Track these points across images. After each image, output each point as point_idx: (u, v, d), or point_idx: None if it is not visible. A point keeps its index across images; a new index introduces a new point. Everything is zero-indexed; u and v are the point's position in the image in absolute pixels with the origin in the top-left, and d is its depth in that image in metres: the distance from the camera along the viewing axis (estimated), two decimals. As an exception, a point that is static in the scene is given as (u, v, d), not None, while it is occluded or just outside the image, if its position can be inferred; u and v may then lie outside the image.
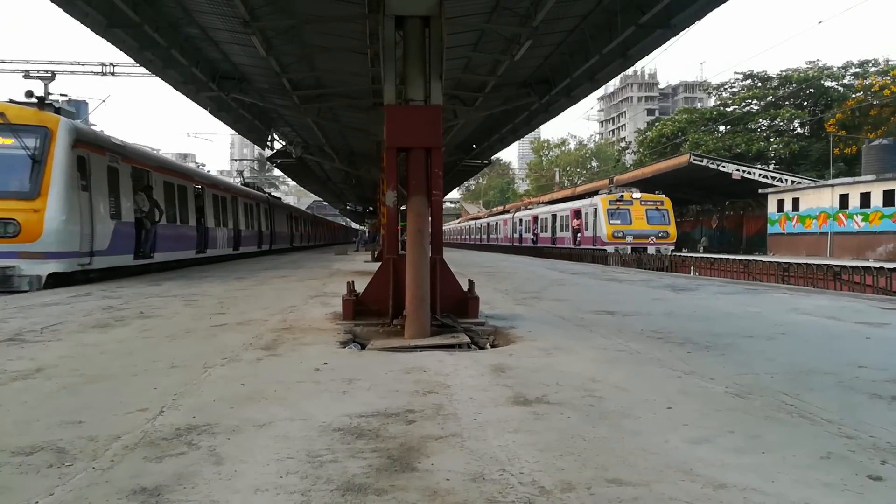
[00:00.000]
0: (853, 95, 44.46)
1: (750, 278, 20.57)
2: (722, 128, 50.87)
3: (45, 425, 3.00)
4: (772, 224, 32.14)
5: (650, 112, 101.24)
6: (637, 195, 29.25)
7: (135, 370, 4.23)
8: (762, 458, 2.61)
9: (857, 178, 28.63)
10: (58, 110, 11.64)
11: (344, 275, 12.37)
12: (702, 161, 33.70)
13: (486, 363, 4.52)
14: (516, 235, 43.46)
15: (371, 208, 37.88)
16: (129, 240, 13.17)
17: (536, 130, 51.49)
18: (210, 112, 17.86)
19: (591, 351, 4.97)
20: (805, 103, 48.58)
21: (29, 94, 11.58)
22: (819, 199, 29.02)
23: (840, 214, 27.65)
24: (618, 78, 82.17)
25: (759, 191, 33.24)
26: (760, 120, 49.95)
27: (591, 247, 29.13)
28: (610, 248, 27.50)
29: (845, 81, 47.38)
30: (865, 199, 26.33)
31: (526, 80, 15.78)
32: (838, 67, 48.18)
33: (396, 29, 6.42)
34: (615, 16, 11.20)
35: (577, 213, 31.99)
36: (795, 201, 30.65)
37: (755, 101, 50.10)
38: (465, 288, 6.67)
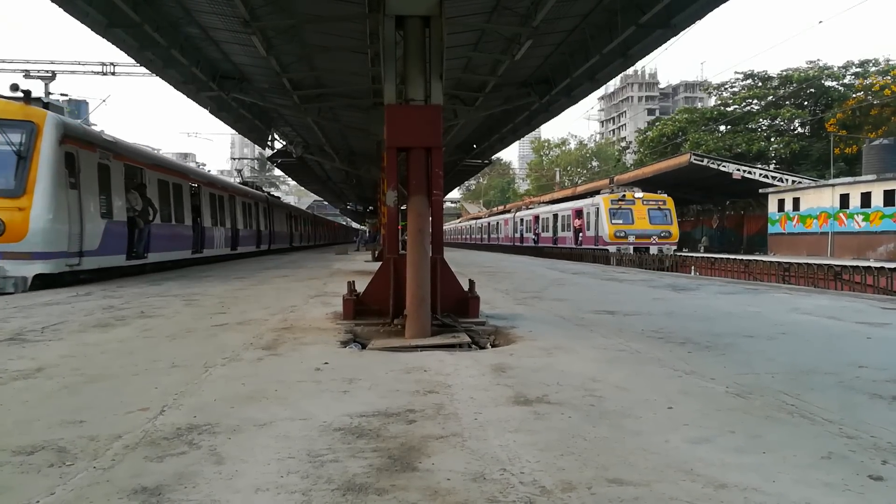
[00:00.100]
0: (854, 95, 44.44)
1: (750, 278, 20.57)
2: (722, 127, 50.87)
3: (46, 425, 3.00)
4: (772, 224, 32.14)
5: (651, 112, 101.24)
6: (639, 195, 29.06)
7: (136, 370, 4.23)
8: (763, 457, 2.61)
9: (857, 178, 28.63)
10: (46, 105, 11.18)
11: (344, 274, 12.37)
12: (702, 161, 33.68)
13: (487, 363, 4.52)
14: (517, 235, 43.38)
15: (371, 208, 37.89)
16: (121, 239, 12.78)
17: (537, 130, 51.45)
18: (210, 112, 17.87)
19: (591, 351, 4.97)
20: (805, 103, 48.57)
21: (14, 87, 11.07)
22: (820, 198, 29.01)
23: (841, 214, 27.64)
24: (618, 78, 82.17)
25: (760, 190, 33.24)
26: (761, 120, 49.93)
27: (593, 247, 29.00)
28: (612, 248, 27.34)
29: (846, 81, 47.36)
30: (866, 199, 26.32)
31: (526, 80, 15.78)
32: (839, 67, 48.17)
33: (397, 29, 6.42)
34: (615, 15, 11.20)
35: (578, 213, 31.80)
36: (796, 201, 30.65)
37: (756, 101, 50.09)
38: (466, 288, 6.67)
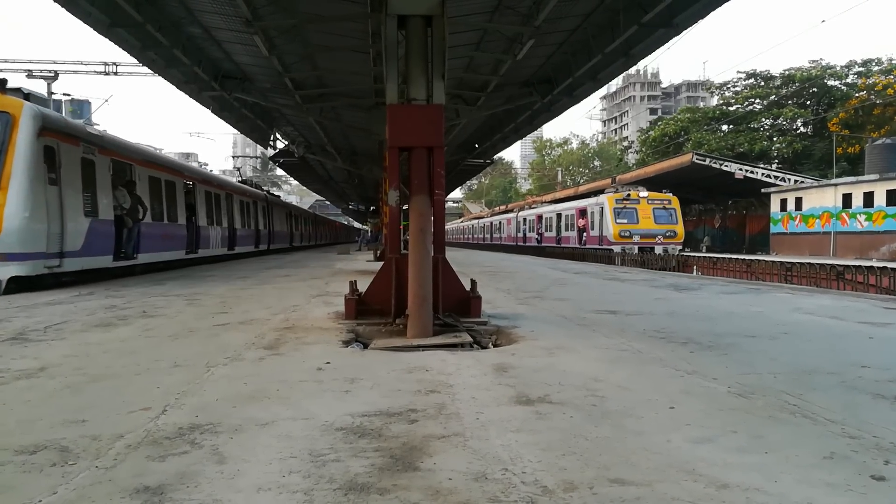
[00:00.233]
0: (856, 94, 44.36)
1: (753, 278, 20.55)
2: (725, 127, 50.83)
3: (49, 424, 3.01)
4: (774, 223, 32.09)
5: (653, 111, 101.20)
6: (644, 194, 28.80)
7: (138, 369, 4.23)
8: (765, 457, 2.61)
9: (860, 178, 28.56)
10: (27, 96, 10.53)
11: (346, 274, 12.38)
12: (704, 160, 33.63)
13: (489, 363, 4.52)
14: (520, 235, 43.28)
15: (373, 208, 37.94)
16: (107, 239, 12.06)
17: (539, 129, 51.50)
18: (213, 111, 17.89)
19: (593, 350, 4.97)
20: (808, 102, 48.50)
21: None
22: (822, 198, 28.96)
23: (843, 214, 27.59)
24: (620, 77, 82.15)
25: (762, 190, 33.19)
26: (763, 119, 49.89)
27: (598, 246, 28.79)
28: (616, 248, 27.10)
29: (848, 80, 47.28)
30: (868, 199, 26.27)
31: (528, 80, 15.78)
32: (841, 66, 48.13)
33: (399, 28, 6.42)
34: (618, 15, 11.19)
35: (582, 213, 31.58)
36: (798, 201, 30.60)
37: (758, 101, 50.02)
38: (468, 287, 6.67)
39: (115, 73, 33.30)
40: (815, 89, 46.98)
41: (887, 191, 25.33)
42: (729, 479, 2.36)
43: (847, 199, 27.49)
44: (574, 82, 14.65)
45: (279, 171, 67.56)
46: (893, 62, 45.43)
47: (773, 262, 21.86)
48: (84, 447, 2.69)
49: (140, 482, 2.31)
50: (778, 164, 45.57)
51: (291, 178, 57.75)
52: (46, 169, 10.05)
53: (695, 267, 24.66)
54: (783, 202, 31.64)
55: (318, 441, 2.78)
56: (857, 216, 26.79)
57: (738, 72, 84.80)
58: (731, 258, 24.81)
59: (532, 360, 4.58)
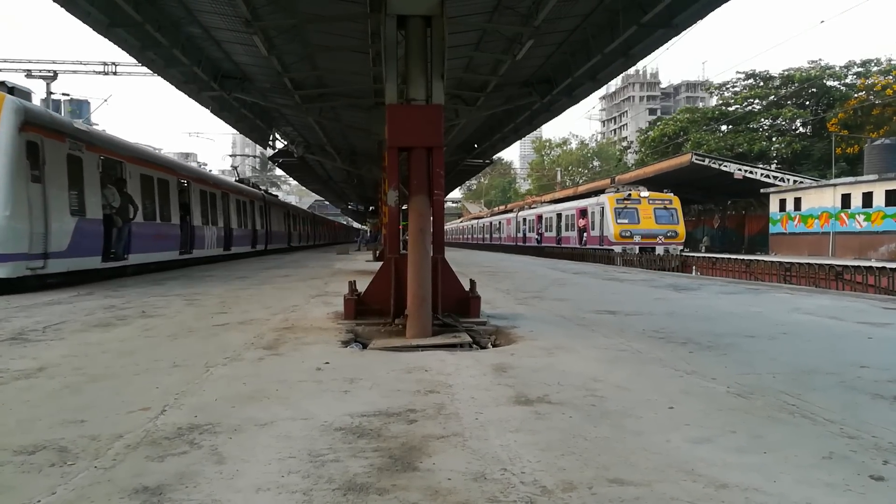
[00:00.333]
0: (855, 95, 44.40)
1: (752, 278, 20.56)
2: (724, 127, 50.85)
3: (48, 424, 3.01)
4: (773, 224, 32.11)
5: (652, 111, 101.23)
6: (645, 194, 28.63)
7: (137, 369, 4.23)
8: (764, 457, 2.61)
9: (859, 178, 28.59)
10: (11, 90, 10.13)
11: (345, 274, 12.38)
12: (704, 161, 33.63)
13: (488, 363, 4.52)
14: (520, 235, 43.22)
15: (373, 208, 37.90)
16: (95, 239, 11.56)
17: (538, 130, 51.48)
18: (212, 111, 17.87)
19: (592, 350, 4.97)
20: (807, 103, 48.54)
21: None
22: (821, 198, 28.98)
23: (842, 214, 27.61)
24: (619, 77, 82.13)
25: (761, 190, 33.21)
26: (762, 119, 49.91)
27: (598, 247, 28.67)
28: (617, 248, 26.95)
29: (847, 81, 47.33)
30: (867, 199, 26.29)
31: (528, 80, 15.78)
32: (840, 67, 48.17)
33: (398, 28, 6.42)
34: (617, 15, 11.19)
35: (583, 213, 31.40)
36: (797, 201, 30.62)
37: (757, 101, 50.05)
38: (467, 287, 6.67)
39: (115, 73, 33.32)
40: (814, 90, 47.01)
41: (886, 191, 25.35)
42: (728, 479, 2.37)
43: (846, 200, 27.52)
44: (573, 82, 14.64)
45: (278, 171, 67.55)
46: (892, 63, 45.49)
47: (772, 262, 21.88)
48: (83, 447, 2.69)
49: (139, 482, 2.31)
50: (777, 164, 45.60)
51: (291, 178, 57.74)
52: (29, 165, 9.63)
53: (694, 267, 24.68)
54: (782, 202, 31.67)
55: (318, 441, 2.78)
56: (856, 216, 26.82)
57: (738, 72, 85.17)
58: (730, 258, 24.83)
59: (531, 361, 4.59)
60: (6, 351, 4.85)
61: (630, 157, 70.16)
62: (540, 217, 38.97)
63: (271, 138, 23.47)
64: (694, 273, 22.68)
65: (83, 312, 7.11)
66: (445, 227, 7.60)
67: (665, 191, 29.45)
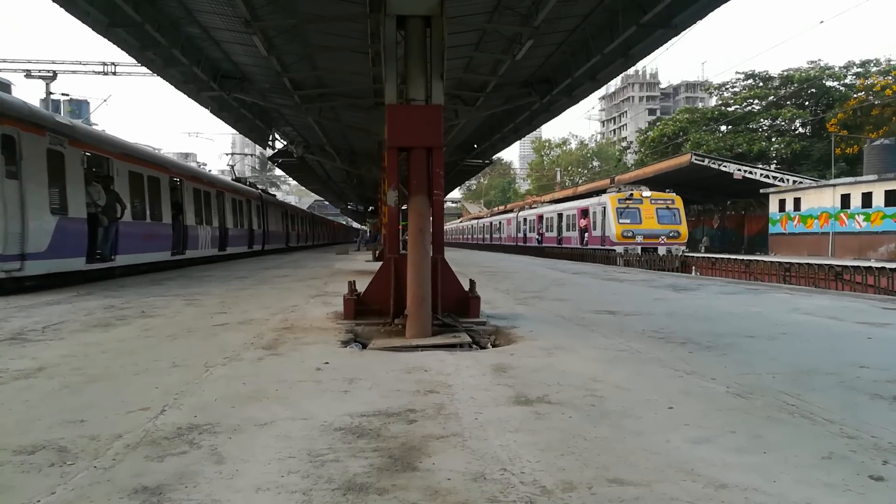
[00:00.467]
0: (855, 95, 44.43)
1: (751, 278, 20.57)
2: (723, 127, 50.86)
3: (47, 424, 3.01)
4: (773, 224, 32.12)
5: (651, 112, 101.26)
6: (647, 193, 28.45)
7: (136, 369, 4.23)
8: (763, 457, 2.61)
9: (858, 178, 28.60)
10: None
11: (345, 274, 12.38)
12: (703, 161, 33.63)
13: (488, 363, 4.52)
14: (520, 235, 43.16)
15: (372, 208, 37.85)
16: (78, 239, 10.96)
17: (538, 130, 51.47)
18: (211, 112, 17.87)
19: (592, 350, 4.97)
20: (807, 103, 48.55)
21: None
22: (820, 198, 28.99)
23: (842, 214, 27.62)
24: (619, 77, 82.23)
25: (761, 191, 33.22)
26: (762, 120, 49.92)
27: (600, 247, 28.50)
28: (619, 249, 26.80)
29: (847, 81, 47.34)
30: (867, 199, 26.30)
31: (527, 80, 15.78)
32: (840, 67, 48.16)
33: (398, 28, 6.42)
34: (616, 15, 11.20)
35: (584, 213, 31.21)
36: (797, 201, 30.63)
37: (756, 101, 50.07)
38: (467, 288, 6.67)
39: (114, 73, 33.31)
40: (813, 90, 47.02)
41: (885, 191, 25.36)
42: (728, 479, 2.37)
43: (845, 200, 27.52)
44: (573, 82, 14.64)
45: (278, 172, 67.57)
46: (892, 63, 45.51)
47: (771, 262, 21.89)
48: (83, 447, 2.68)
49: (139, 482, 2.31)
50: (776, 164, 45.62)
51: (290, 179, 57.73)
52: (4, 160, 9.19)
53: (693, 267, 24.68)
54: (782, 202, 31.68)
55: (317, 441, 2.78)
56: (856, 216, 26.83)
57: (737, 72, 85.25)
58: (729, 258, 24.84)
59: (531, 361, 4.59)
60: (5, 351, 4.85)
61: (629, 158, 70.18)
62: (541, 217, 38.90)
63: (271, 138, 23.46)
64: (693, 273, 22.69)
65: (82, 312, 7.11)
66: (445, 228, 7.60)
67: (667, 190, 29.34)
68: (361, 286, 6.72)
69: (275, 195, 38.69)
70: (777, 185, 32.83)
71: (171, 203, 16.14)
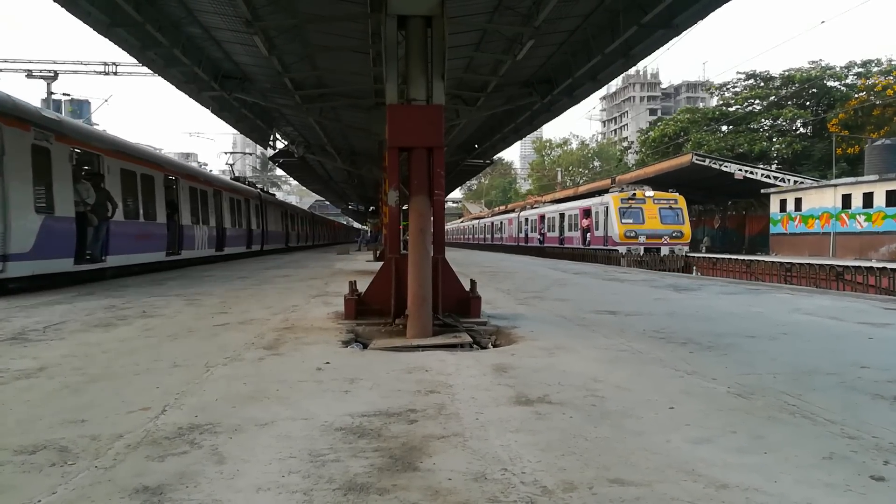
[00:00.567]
0: (856, 95, 44.37)
1: (752, 278, 20.57)
2: (724, 128, 50.82)
3: (48, 424, 3.01)
4: (774, 224, 32.09)
5: (652, 112, 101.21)
6: (650, 193, 28.33)
7: (137, 369, 4.23)
8: (764, 458, 2.61)
9: (859, 178, 28.55)
10: None
11: (346, 274, 12.38)
12: (704, 161, 33.59)
13: (488, 363, 4.52)
14: (521, 235, 43.10)
15: (373, 208, 37.91)
16: (66, 239, 10.54)
17: (538, 130, 51.49)
18: (212, 112, 17.89)
19: (593, 351, 4.97)
20: (808, 103, 48.50)
21: None
22: (822, 199, 28.96)
23: (843, 214, 27.58)
24: (620, 78, 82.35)
25: (762, 191, 33.18)
26: (763, 120, 49.87)
27: (602, 247, 28.42)
28: (622, 249, 26.72)
29: (848, 81, 47.29)
30: (868, 199, 26.26)
31: (528, 80, 15.79)
32: (841, 67, 48.12)
33: (398, 28, 6.42)
34: (617, 15, 11.20)
35: (586, 213, 31.11)
36: (798, 201, 30.60)
37: (758, 101, 50.02)
38: (467, 288, 6.67)
39: (115, 73, 33.37)
40: (814, 90, 46.98)
41: (887, 191, 25.32)
42: (728, 479, 2.36)
43: (846, 200, 27.49)
44: (574, 83, 14.65)
45: (279, 172, 67.62)
46: (893, 63, 45.48)
47: (772, 262, 21.88)
48: (83, 447, 2.69)
49: (139, 482, 2.31)
50: (777, 164, 45.57)
51: (291, 179, 57.76)
52: None
53: (694, 267, 24.68)
54: (783, 203, 31.65)
55: (318, 441, 2.78)
56: (857, 217, 26.79)
57: (738, 72, 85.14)
58: (730, 258, 24.84)
59: (532, 361, 4.58)
60: (6, 351, 4.85)
61: (630, 158, 70.13)
62: (542, 217, 38.83)
63: (272, 138, 23.47)
64: (694, 273, 22.68)
65: (83, 312, 7.11)
66: (446, 228, 7.61)
67: (670, 190, 29.26)
68: (362, 286, 6.72)
69: (275, 195, 38.54)
70: (778, 186, 32.79)
71: (165, 202, 15.73)
